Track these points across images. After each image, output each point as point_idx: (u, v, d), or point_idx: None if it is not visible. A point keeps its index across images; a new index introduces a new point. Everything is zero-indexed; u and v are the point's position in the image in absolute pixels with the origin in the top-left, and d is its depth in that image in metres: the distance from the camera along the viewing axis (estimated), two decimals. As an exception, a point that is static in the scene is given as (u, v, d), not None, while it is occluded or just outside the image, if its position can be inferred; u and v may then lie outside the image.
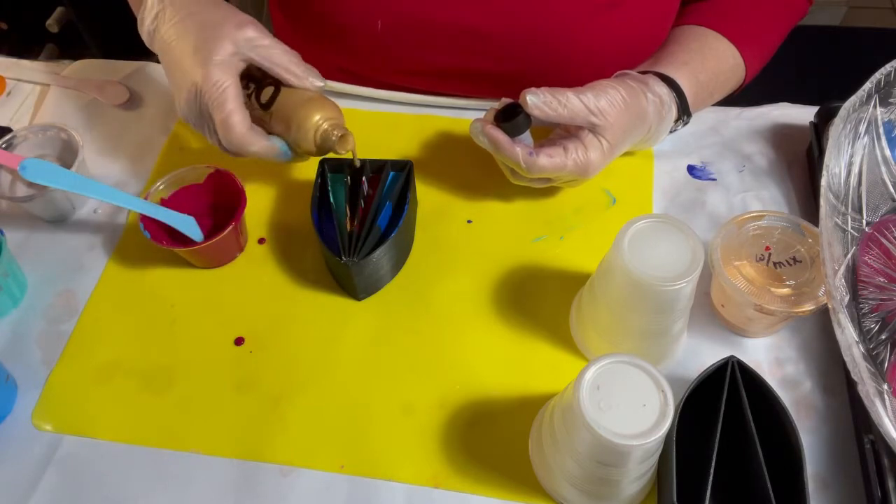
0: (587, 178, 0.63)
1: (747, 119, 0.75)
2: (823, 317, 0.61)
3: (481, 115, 0.75)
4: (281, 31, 0.81)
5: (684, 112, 0.67)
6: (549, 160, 0.60)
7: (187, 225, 0.62)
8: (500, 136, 0.60)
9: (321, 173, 0.64)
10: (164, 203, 0.64)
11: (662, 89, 0.65)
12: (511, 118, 0.60)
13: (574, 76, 0.68)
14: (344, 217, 0.62)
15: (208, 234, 0.64)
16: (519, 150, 0.60)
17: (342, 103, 0.76)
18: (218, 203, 0.66)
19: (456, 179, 0.71)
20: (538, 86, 0.60)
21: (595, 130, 0.61)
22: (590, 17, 0.68)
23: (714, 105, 0.75)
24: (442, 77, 0.74)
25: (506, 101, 0.62)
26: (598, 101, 0.60)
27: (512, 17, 0.67)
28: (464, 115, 0.76)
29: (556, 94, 0.59)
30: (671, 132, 0.69)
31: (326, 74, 0.76)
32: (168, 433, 0.57)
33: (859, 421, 0.54)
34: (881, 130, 0.58)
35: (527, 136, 0.62)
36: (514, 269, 0.65)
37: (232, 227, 0.61)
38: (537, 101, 0.59)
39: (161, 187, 0.64)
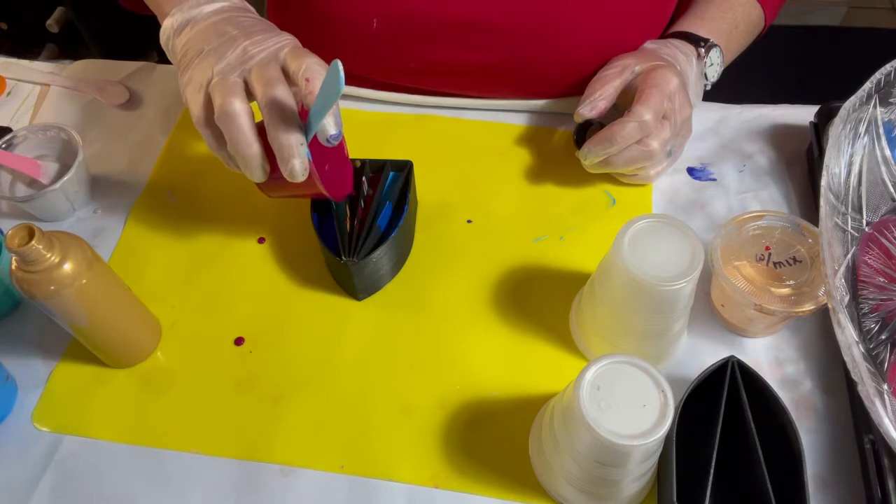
0: (673, 82, 0.64)
1: (747, 119, 0.75)
2: (823, 317, 0.61)
3: (481, 114, 0.75)
4: None
5: (705, 42, 0.70)
6: (645, 99, 0.62)
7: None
8: (603, 132, 0.63)
9: (321, 173, 0.64)
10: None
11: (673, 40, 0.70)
12: (587, 131, 0.67)
13: (573, 65, 0.69)
14: (344, 217, 0.62)
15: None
16: (622, 120, 0.62)
17: (342, 104, 0.77)
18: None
19: (456, 179, 0.71)
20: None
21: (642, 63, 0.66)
22: (587, 4, 0.68)
23: (715, 103, 0.75)
24: (440, 74, 0.74)
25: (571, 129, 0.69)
26: (612, 65, 0.67)
27: (507, 8, 0.67)
28: (463, 116, 0.76)
29: (591, 91, 0.66)
30: (712, 69, 0.72)
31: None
32: (168, 433, 0.57)
33: (859, 421, 0.54)
34: (881, 130, 0.58)
35: None
36: (514, 269, 0.65)
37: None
38: (587, 107, 0.65)
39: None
